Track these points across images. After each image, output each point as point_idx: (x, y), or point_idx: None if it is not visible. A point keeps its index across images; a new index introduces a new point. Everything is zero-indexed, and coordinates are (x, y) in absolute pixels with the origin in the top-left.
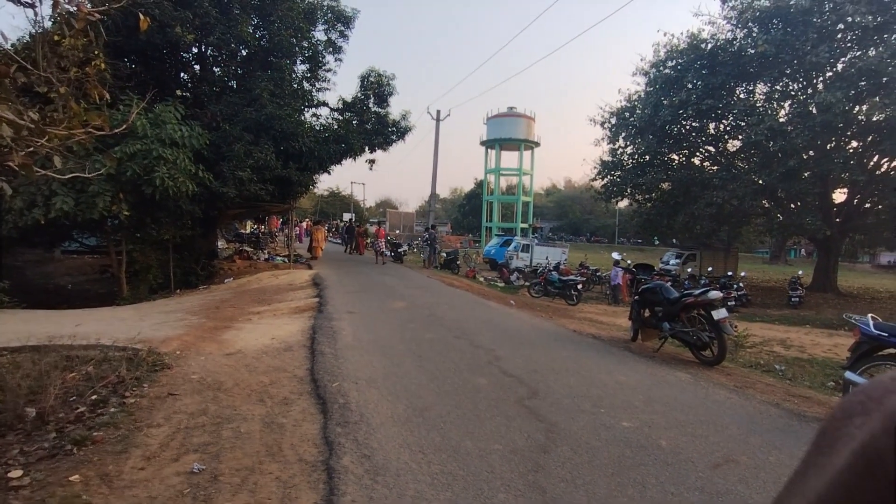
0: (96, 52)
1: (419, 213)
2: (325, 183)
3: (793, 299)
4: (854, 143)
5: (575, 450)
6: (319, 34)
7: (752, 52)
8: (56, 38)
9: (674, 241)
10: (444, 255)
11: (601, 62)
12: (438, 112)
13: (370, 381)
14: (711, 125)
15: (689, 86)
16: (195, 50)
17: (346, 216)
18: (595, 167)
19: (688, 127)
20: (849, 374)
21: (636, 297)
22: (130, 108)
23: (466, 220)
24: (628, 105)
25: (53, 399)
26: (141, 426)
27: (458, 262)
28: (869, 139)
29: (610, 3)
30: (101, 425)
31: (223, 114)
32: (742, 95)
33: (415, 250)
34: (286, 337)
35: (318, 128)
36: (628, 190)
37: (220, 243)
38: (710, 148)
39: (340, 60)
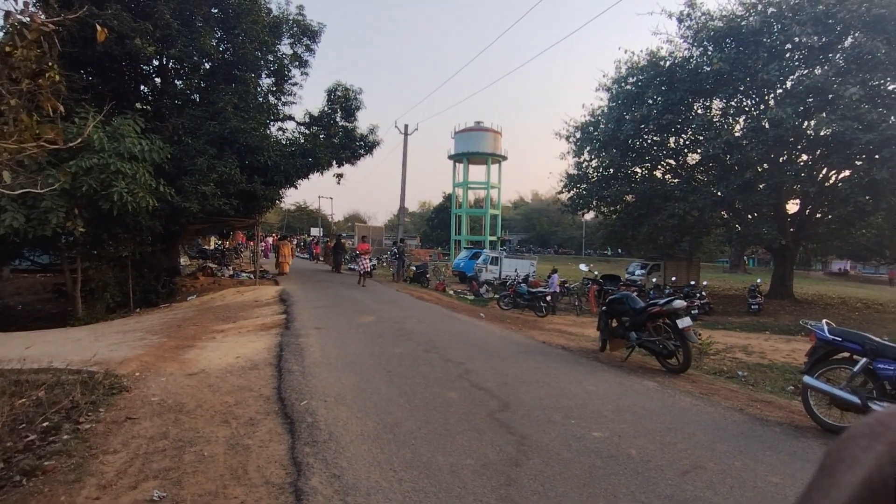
0: (50, 64)
1: (388, 226)
2: (292, 197)
3: (752, 307)
4: (804, 157)
5: (546, 462)
6: (285, 48)
7: (708, 69)
8: (8, 49)
9: (652, 252)
10: (414, 268)
11: (566, 77)
12: (406, 126)
13: (339, 399)
14: (672, 139)
15: (650, 101)
16: (156, 62)
17: (314, 231)
18: (561, 180)
19: (649, 141)
20: (807, 379)
21: (604, 307)
22: (86, 121)
23: (435, 233)
24: (592, 120)
25: (0, 427)
26: (96, 453)
27: (427, 276)
28: (818, 153)
29: (574, 21)
30: (52, 454)
31: (185, 127)
32: (700, 111)
33: (384, 264)
34: (252, 355)
35: (283, 142)
36: (594, 202)
37: (183, 260)
38: (671, 161)
39: (307, 74)
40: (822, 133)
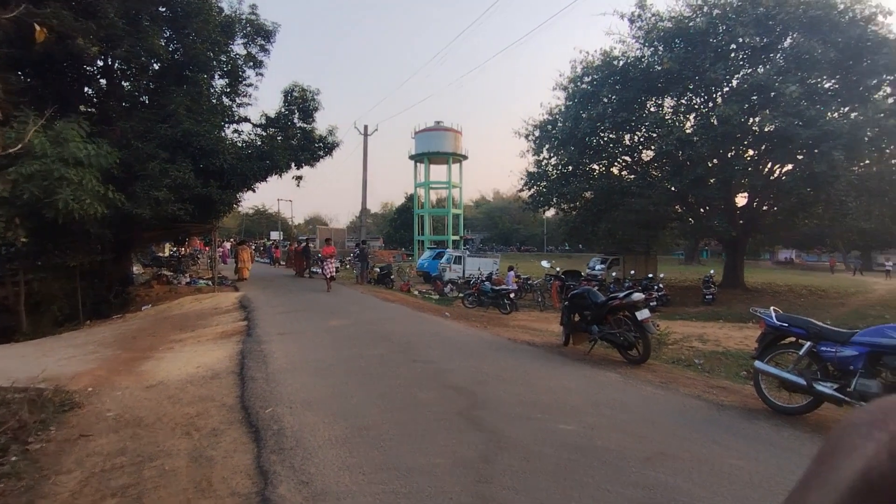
0: None
1: (350, 228)
2: (250, 201)
3: (707, 297)
4: (751, 152)
5: (518, 457)
6: (238, 48)
7: (659, 68)
8: None
9: (612, 247)
10: (378, 269)
11: (525, 76)
12: (366, 127)
13: (306, 404)
14: (627, 136)
15: (605, 100)
16: (100, 63)
17: (274, 234)
18: (522, 178)
19: (605, 138)
20: (758, 364)
21: (566, 302)
22: (26, 126)
23: (398, 233)
24: (550, 118)
25: None
26: (48, 474)
27: (391, 277)
28: (763, 148)
29: (532, 21)
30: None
31: (135, 130)
32: (652, 109)
33: (347, 266)
34: (213, 364)
35: (240, 144)
36: (554, 199)
37: (136, 268)
38: (627, 158)
39: (262, 75)
40: (766, 129)
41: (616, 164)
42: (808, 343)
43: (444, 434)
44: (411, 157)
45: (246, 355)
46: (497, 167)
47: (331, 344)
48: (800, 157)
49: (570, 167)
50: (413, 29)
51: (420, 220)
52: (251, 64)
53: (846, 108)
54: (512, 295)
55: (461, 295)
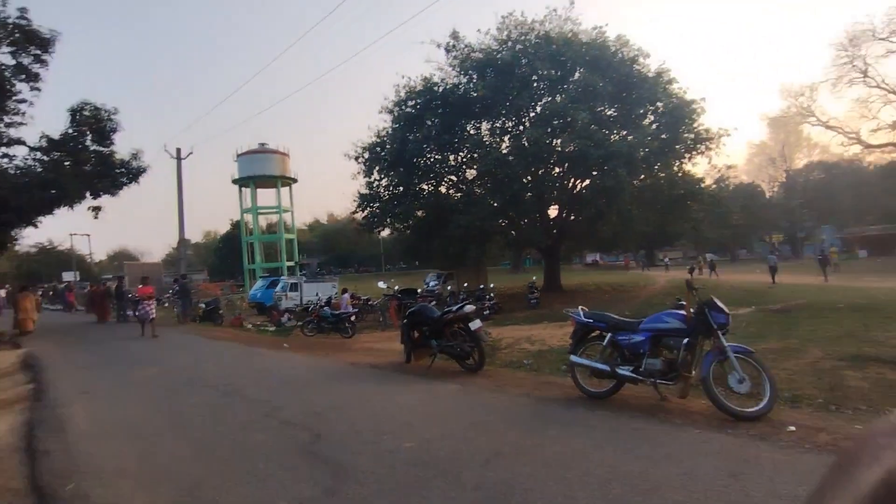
0: None
1: (168, 261)
2: (35, 236)
3: (532, 301)
4: (557, 169)
5: (362, 483)
6: (5, 57)
7: (475, 95)
8: None
9: (445, 262)
10: (203, 305)
11: (352, 99)
12: (178, 150)
13: (120, 472)
14: (451, 157)
15: (429, 122)
16: None
17: (67, 275)
18: (355, 200)
19: (432, 159)
20: (572, 357)
21: (405, 320)
22: None
23: (225, 264)
24: (379, 140)
25: None
26: None
27: (220, 312)
28: (566, 166)
29: (356, 42)
30: None
31: None
32: (472, 132)
33: (165, 304)
34: None
35: (13, 171)
36: (387, 220)
37: None
38: (453, 177)
39: (38, 90)
40: (566, 150)
41: (444, 183)
42: (609, 334)
43: (285, 475)
44: (235, 182)
45: (35, 425)
46: (330, 189)
47: (146, 397)
48: (594, 173)
49: (401, 188)
50: (232, 46)
51: (249, 248)
52: (23, 76)
53: (625, 132)
54: (353, 318)
55: (300, 323)
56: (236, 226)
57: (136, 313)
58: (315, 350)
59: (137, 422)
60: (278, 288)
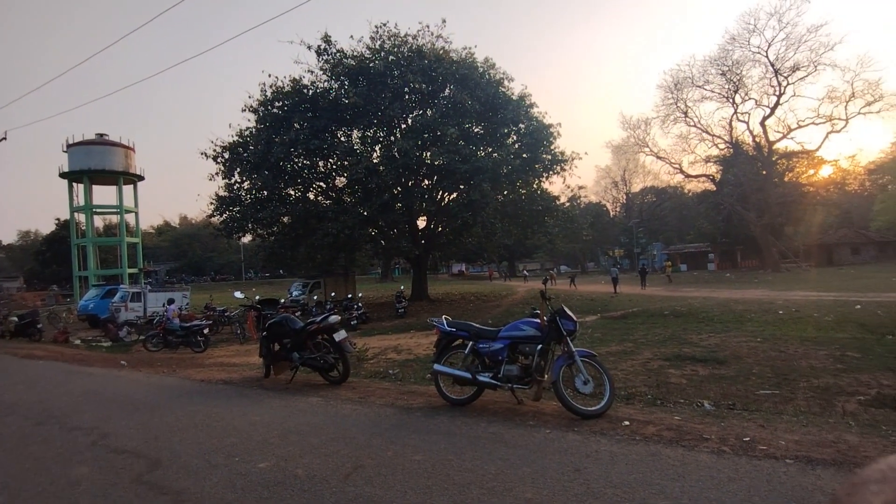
0: None
1: None
2: None
3: (399, 310)
4: (426, 182)
5: None
6: None
7: (346, 101)
8: None
9: (312, 270)
10: (16, 318)
11: (211, 94)
12: None
13: None
14: (321, 163)
15: (297, 126)
16: None
17: None
18: (212, 202)
19: (300, 164)
20: (436, 366)
21: (264, 333)
22: None
23: (49, 270)
24: (241, 140)
25: None
26: None
27: (39, 326)
28: (435, 179)
29: (220, 31)
30: None
31: None
32: (343, 138)
33: None
34: None
35: None
36: (249, 225)
37: None
38: (322, 184)
39: None
40: (435, 163)
41: (312, 189)
42: (471, 343)
43: None
44: (64, 175)
45: None
46: (183, 190)
47: None
48: (461, 187)
49: (266, 192)
50: (70, 19)
51: (82, 252)
52: None
53: (490, 149)
54: (206, 331)
55: (142, 337)
56: (65, 226)
57: None
58: (159, 367)
59: None
60: (116, 298)
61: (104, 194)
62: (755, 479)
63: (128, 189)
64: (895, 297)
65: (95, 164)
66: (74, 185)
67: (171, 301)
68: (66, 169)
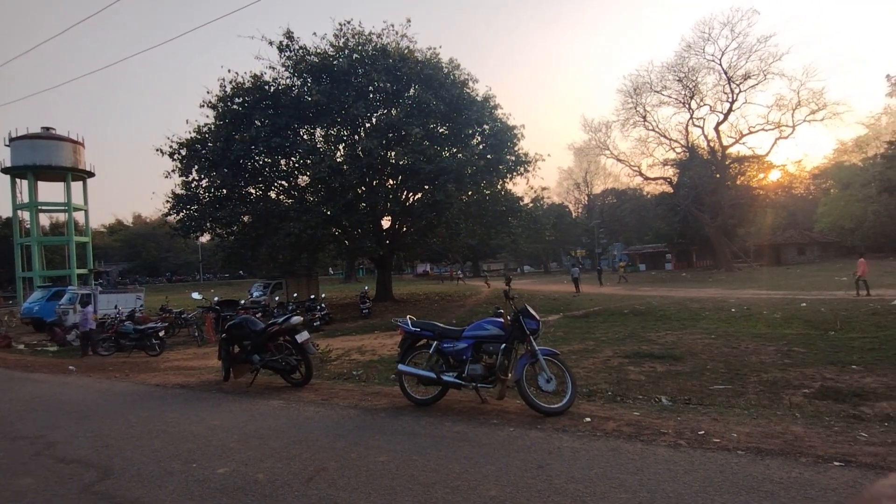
0: None
1: None
2: None
3: (363, 311)
4: (391, 181)
5: None
6: None
7: (309, 99)
8: None
9: (274, 271)
10: None
11: (165, 89)
12: None
13: None
14: (283, 161)
15: (258, 123)
16: None
17: None
18: (168, 201)
19: (261, 162)
20: (400, 366)
21: (223, 335)
22: None
23: None
24: (199, 137)
25: None
26: None
27: None
28: (399, 179)
29: (177, 24)
30: None
31: None
32: (305, 137)
33: None
34: None
35: None
36: (207, 224)
37: None
38: (284, 182)
39: None
40: (400, 163)
41: (274, 188)
42: (436, 342)
43: None
44: (6, 171)
45: None
46: (137, 188)
47: None
48: (426, 187)
49: (225, 190)
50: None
51: (25, 252)
52: None
53: (455, 150)
54: (162, 333)
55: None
56: (7, 224)
57: None
58: (111, 372)
59: None
60: (63, 300)
61: (51, 191)
62: (709, 470)
63: (77, 186)
64: (837, 295)
65: (41, 160)
66: (18, 180)
67: (86, 303)
68: (7, 164)
